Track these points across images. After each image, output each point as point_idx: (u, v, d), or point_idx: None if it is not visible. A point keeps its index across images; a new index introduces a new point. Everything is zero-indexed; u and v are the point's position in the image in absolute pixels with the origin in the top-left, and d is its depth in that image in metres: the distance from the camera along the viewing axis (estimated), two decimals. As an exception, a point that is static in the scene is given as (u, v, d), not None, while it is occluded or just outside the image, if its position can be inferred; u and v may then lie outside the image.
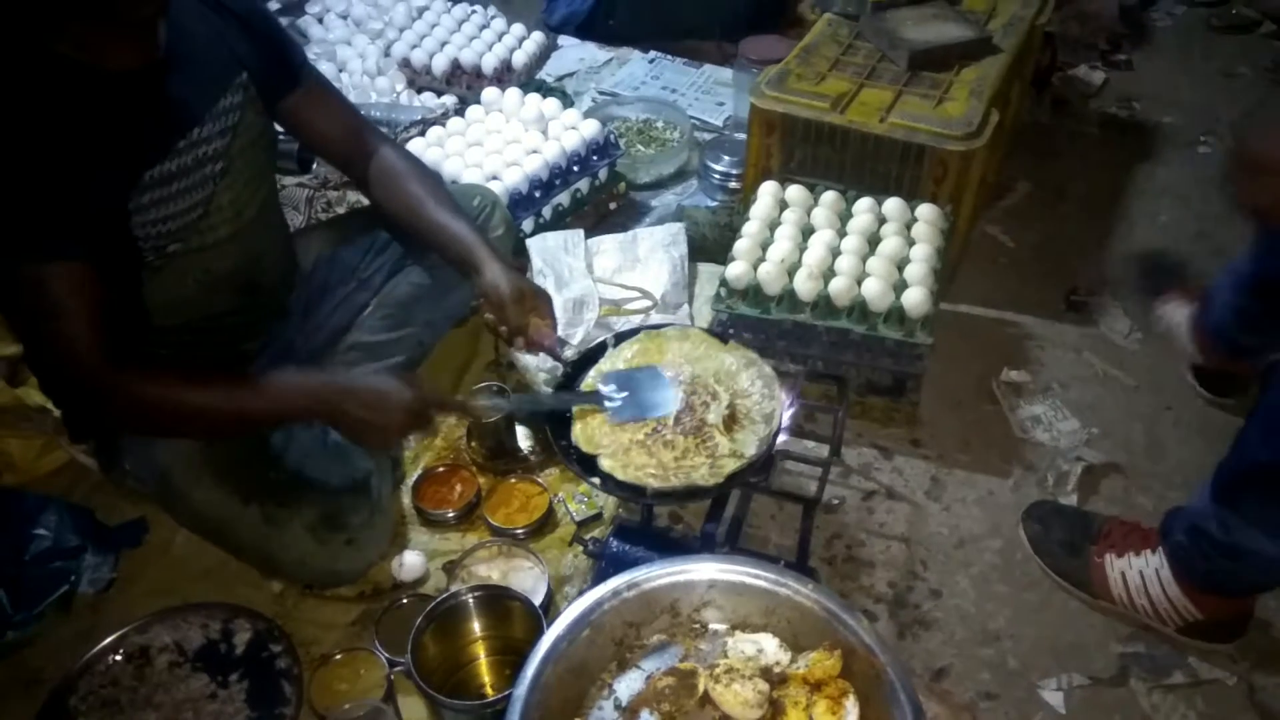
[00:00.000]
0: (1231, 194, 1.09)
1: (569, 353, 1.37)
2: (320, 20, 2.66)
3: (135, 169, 1.13)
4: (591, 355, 1.34)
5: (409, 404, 1.19)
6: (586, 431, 1.22)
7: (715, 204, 2.11)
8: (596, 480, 1.18)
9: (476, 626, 1.29)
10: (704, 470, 1.16)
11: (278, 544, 1.31)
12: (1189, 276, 1.86)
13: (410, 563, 1.41)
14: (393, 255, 1.53)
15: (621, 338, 1.35)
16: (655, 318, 1.79)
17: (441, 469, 1.55)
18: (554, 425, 1.24)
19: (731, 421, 1.22)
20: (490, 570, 1.40)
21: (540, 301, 1.32)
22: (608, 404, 1.22)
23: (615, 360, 1.31)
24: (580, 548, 1.42)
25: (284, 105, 1.34)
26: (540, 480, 1.54)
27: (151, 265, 1.19)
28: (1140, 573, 1.38)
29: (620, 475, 1.16)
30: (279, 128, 1.37)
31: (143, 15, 1.07)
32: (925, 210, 1.70)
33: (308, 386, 1.21)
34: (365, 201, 1.59)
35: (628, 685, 0.98)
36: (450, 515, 1.49)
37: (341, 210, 1.97)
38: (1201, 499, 1.29)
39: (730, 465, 1.16)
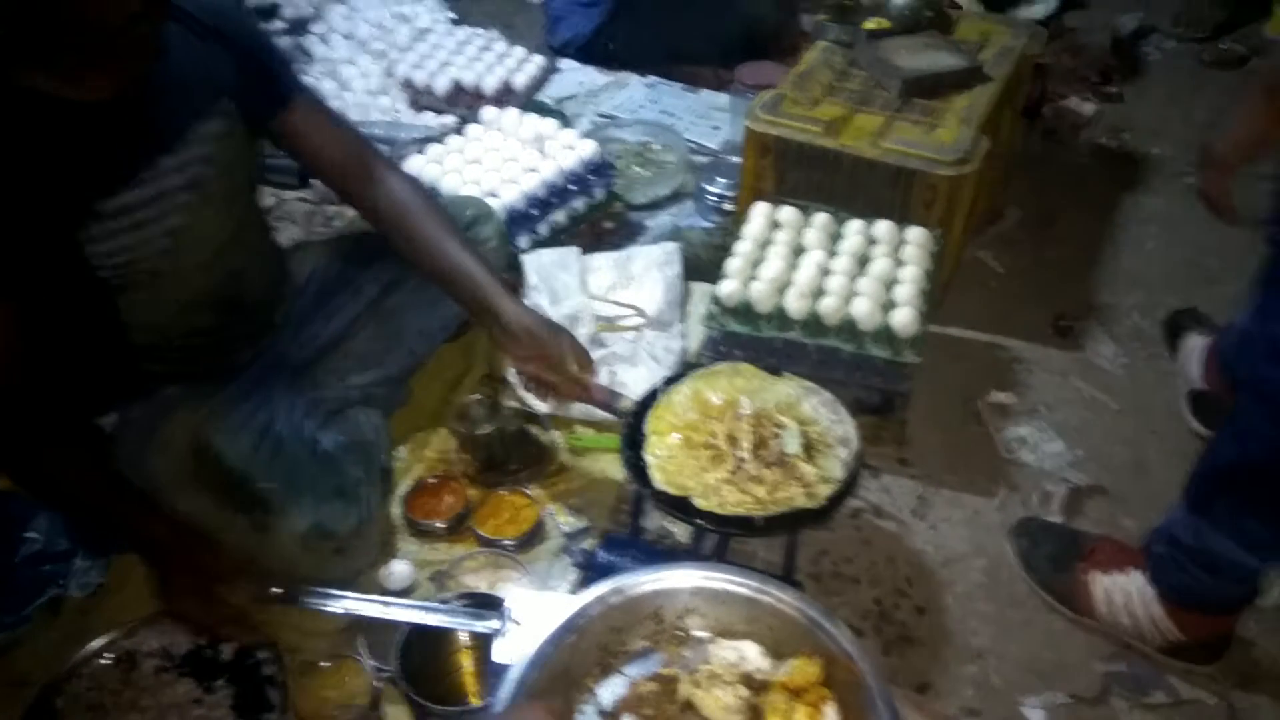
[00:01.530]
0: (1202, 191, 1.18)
1: (624, 403, 1.36)
2: (324, 40, 2.70)
3: (86, 200, 1.11)
4: (645, 403, 1.34)
5: (219, 572, 1.17)
6: (668, 475, 1.24)
7: (710, 225, 2.14)
8: (699, 521, 1.20)
9: (463, 635, 1.30)
10: (801, 498, 1.20)
11: (266, 553, 1.31)
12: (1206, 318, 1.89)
13: (398, 572, 1.42)
14: (387, 268, 1.54)
15: (671, 380, 1.37)
16: (649, 335, 1.81)
17: (432, 480, 1.57)
18: (634, 469, 1.25)
19: (809, 449, 1.26)
20: (478, 581, 1.41)
21: (577, 350, 1.32)
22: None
23: (669, 403, 1.33)
24: (569, 559, 1.44)
25: (274, 125, 1.33)
26: (530, 493, 1.55)
27: (120, 289, 1.18)
28: (1125, 591, 1.40)
29: (721, 513, 1.19)
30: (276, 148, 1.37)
31: (125, 61, 1.06)
32: (915, 233, 1.73)
33: (142, 539, 1.19)
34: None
35: (611, 691, 0.99)
36: (440, 526, 1.50)
37: (340, 224, 1.99)
38: (1177, 509, 1.32)
39: (826, 489, 1.21)
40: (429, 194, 1.43)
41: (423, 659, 1.25)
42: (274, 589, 1.19)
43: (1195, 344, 1.79)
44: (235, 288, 1.33)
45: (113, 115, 1.11)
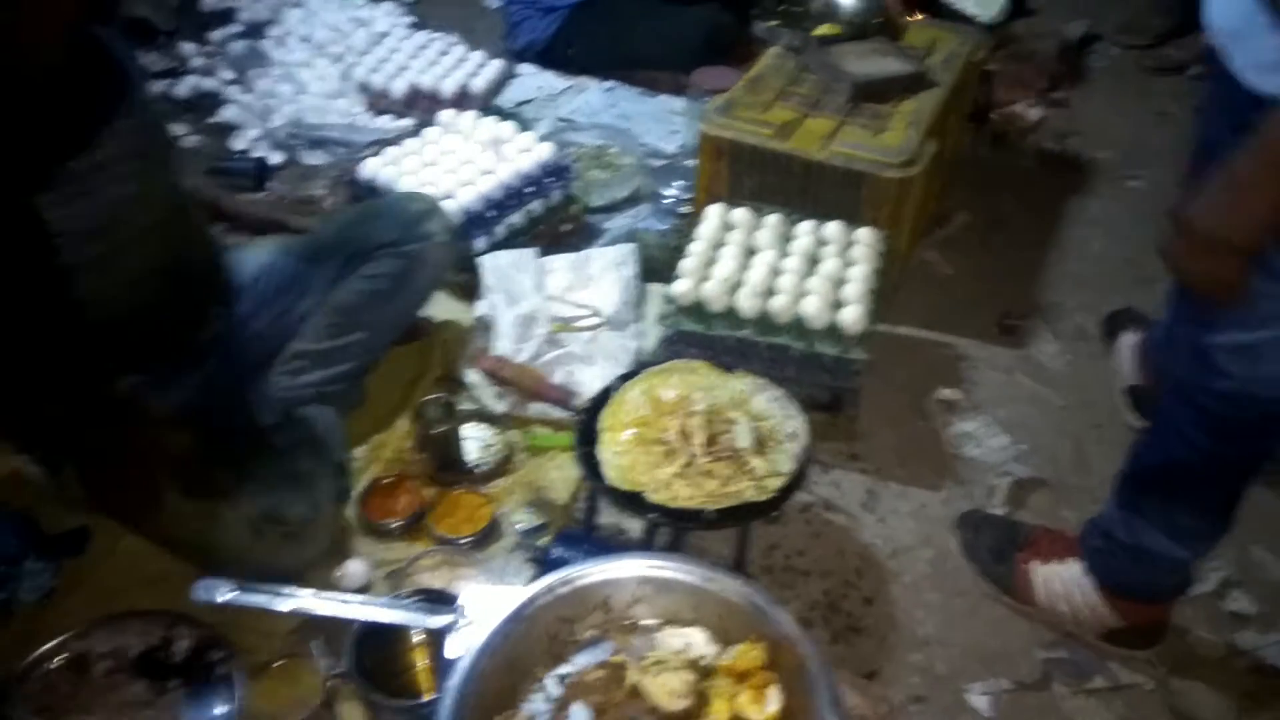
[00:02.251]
0: (1173, 265, 1.05)
1: (580, 401, 1.40)
2: (281, 43, 2.70)
3: (45, 164, 1.12)
4: (599, 400, 1.37)
5: None
6: (621, 470, 1.27)
7: (666, 227, 2.17)
8: (652, 515, 1.23)
9: (417, 632, 1.31)
10: (751, 492, 1.23)
11: (217, 538, 1.32)
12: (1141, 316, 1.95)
13: (353, 571, 1.43)
14: (334, 264, 1.55)
15: (625, 378, 1.39)
16: (605, 335, 1.84)
17: (388, 480, 1.57)
18: (587, 465, 1.29)
19: (760, 444, 1.29)
20: (434, 579, 1.42)
21: None
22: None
23: (622, 400, 1.35)
24: (524, 556, 1.45)
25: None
26: (486, 491, 1.57)
27: (74, 261, 1.18)
28: (1063, 579, 1.44)
29: (672, 506, 1.22)
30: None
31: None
32: (863, 234, 1.77)
33: None
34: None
35: (560, 679, 1.01)
36: (395, 525, 1.51)
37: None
38: (1110, 504, 1.36)
39: (776, 482, 1.24)
40: None
41: (377, 656, 1.26)
42: None
43: (1129, 341, 1.86)
44: (180, 257, 1.34)
45: (67, 79, 1.13)
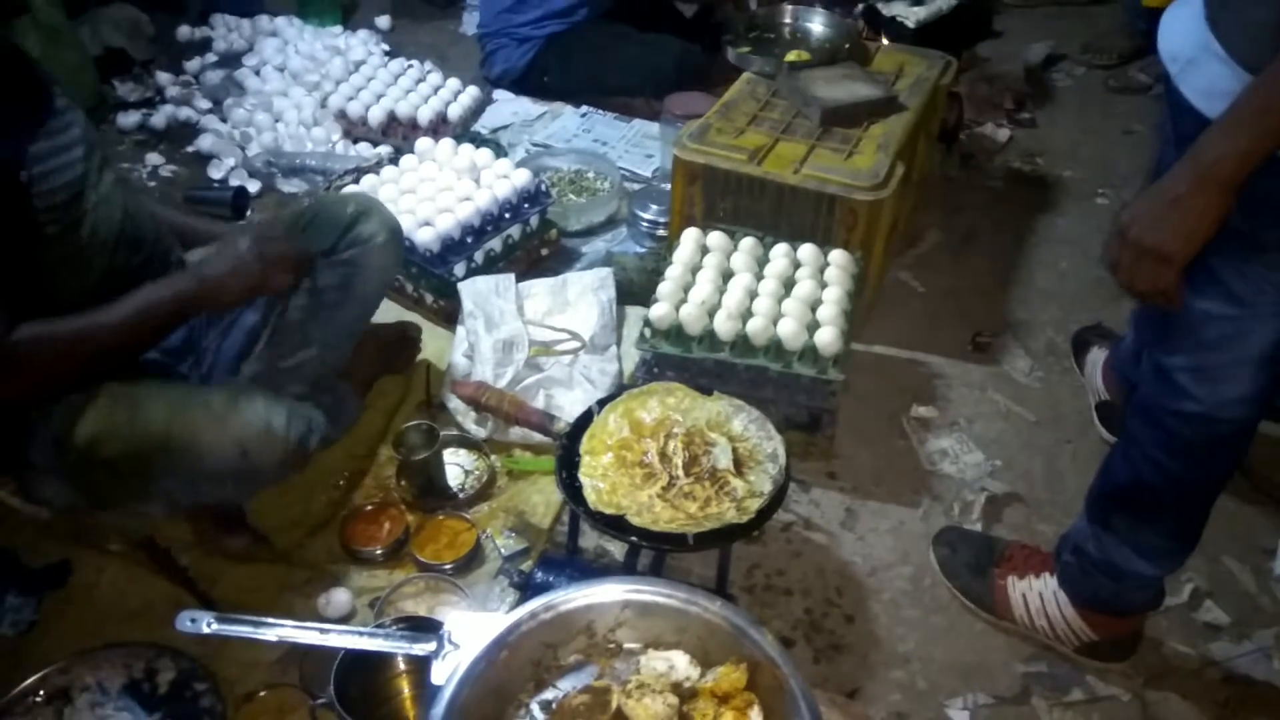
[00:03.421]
0: (1115, 273, 1.09)
1: (560, 425, 1.40)
2: (257, 72, 2.71)
3: (21, 139, 1.17)
4: (580, 424, 1.38)
5: (257, 253, 1.33)
6: (602, 494, 1.28)
7: (643, 250, 2.19)
8: (633, 539, 1.24)
9: (400, 661, 1.31)
10: (732, 513, 1.25)
11: (140, 428, 1.28)
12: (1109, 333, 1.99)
13: (336, 600, 1.43)
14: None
15: (605, 402, 1.41)
16: (584, 359, 1.85)
17: (370, 507, 1.58)
18: (569, 490, 1.30)
19: (739, 465, 1.31)
20: (417, 605, 1.43)
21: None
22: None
23: (602, 424, 1.37)
24: (507, 580, 1.46)
25: None
26: (468, 516, 1.58)
27: (52, 233, 1.22)
28: (1040, 594, 1.47)
29: (654, 530, 1.23)
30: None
31: None
32: (837, 256, 1.80)
33: (167, 295, 1.28)
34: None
35: (544, 704, 1.02)
36: (378, 552, 1.51)
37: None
38: (1080, 520, 1.39)
39: (755, 503, 1.26)
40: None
41: (360, 685, 1.26)
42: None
43: (1098, 358, 1.89)
44: (135, 225, 1.37)
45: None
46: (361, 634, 1.21)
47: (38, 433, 1.31)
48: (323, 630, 1.22)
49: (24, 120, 1.19)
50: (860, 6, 2.62)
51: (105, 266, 1.31)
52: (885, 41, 2.35)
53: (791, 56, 2.17)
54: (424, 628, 1.25)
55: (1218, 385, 1.17)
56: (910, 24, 2.52)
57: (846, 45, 2.20)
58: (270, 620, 1.23)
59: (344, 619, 1.42)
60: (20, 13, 1.16)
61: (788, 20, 2.39)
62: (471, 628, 1.11)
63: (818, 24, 2.37)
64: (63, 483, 1.33)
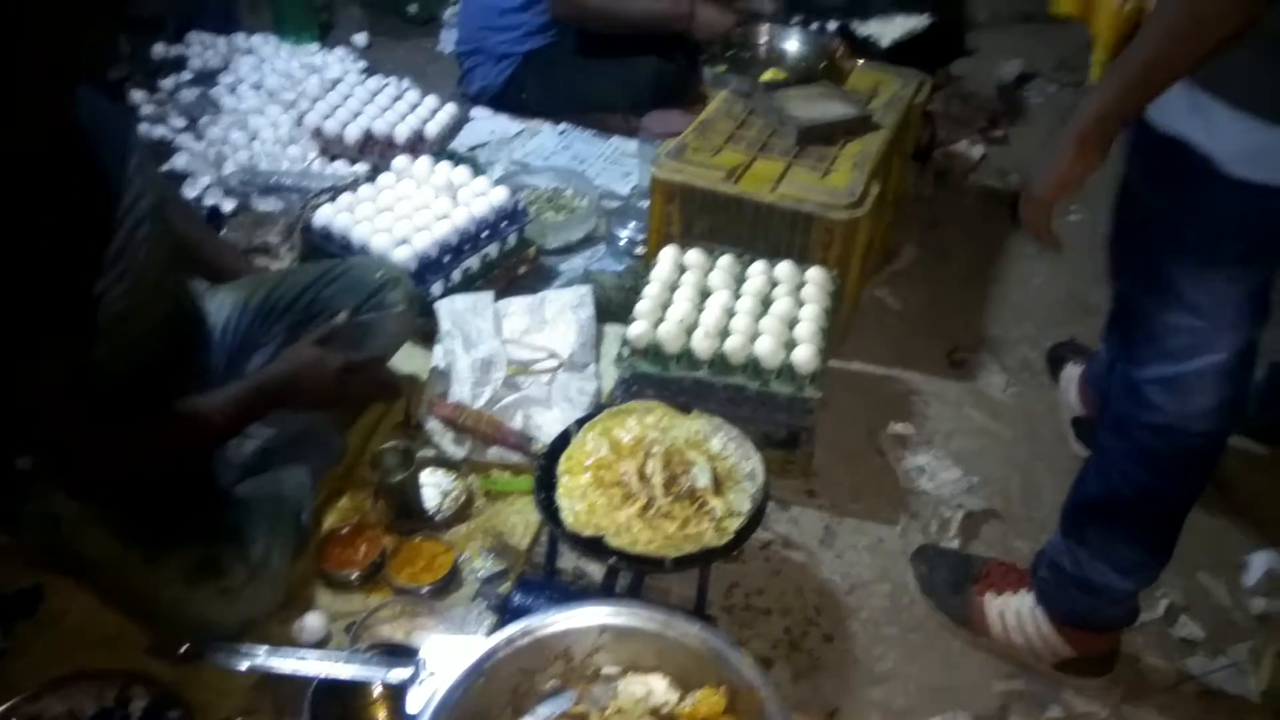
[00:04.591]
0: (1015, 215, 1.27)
1: (538, 445, 1.40)
2: (233, 90, 2.70)
3: (96, 252, 1.17)
4: (559, 444, 1.38)
5: (334, 365, 1.37)
6: (580, 515, 1.27)
7: (621, 268, 2.20)
8: (612, 560, 1.24)
9: (377, 687, 1.30)
10: (711, 534, 1.25)
11: (154, 586, 1.31)
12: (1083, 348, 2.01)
13: (311, 626, 1.41)
14: (287, 323, 1.56)
15: (583, 421, 1.41)
16: (562, 377, 1.85)
17: (345, 530, 1.56)
18: (547, 511, 1.29)
19: (718, 484, 1.31)
20: (394, 630, 1.41)
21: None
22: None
23: (581, 444, 1.36)
24: (484, 603, 1.45)
25: None
26: (446, 539, 1.56)
27: (106, 330, 1.21)
28: (1017, 611, 1.47)
29: (632, 551, 1.23)
30: None
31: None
32: (814, 273, 1.81)
33: (245, 393, 1.33)
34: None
35: (522, 731, 1.01)
36: (354, 576, 1.50)
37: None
38: (1056, 536, 1.40)
39: (734, 523, 1.26)
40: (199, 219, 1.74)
41: (336, 712, 1.24)
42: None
43: (1073, 373, 1.91)
44: (174, 305, 1.40)
45: (67, 167, 1.16)
46: (339, 661, 1.20)
47: (33, 495, 1.32)
48: (299, 657, 1.21)
49: (94, 228, 1.18)
50: (836, 25, 2.64)
51: (141, 353, 1.31)
52: (860, 60, 2.37)
53: (768, 75, 2.19)
54: (400, 654, 1.23)
55: (1185, 397, 1.19)
56: (884, 43, 2.55)
57: (822, 64, 2.23)
58: (244, 647, 1.22)
59: (319, 644, 1.40)
60: (97, 74, 1.19)
61: (764, 39, 2.41)
62: (448, 654, 1.11)
63: (793, 43, 2.39)
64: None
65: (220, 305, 1.57)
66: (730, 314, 1.73)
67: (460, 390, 1.75)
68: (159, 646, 1.30)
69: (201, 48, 2.91)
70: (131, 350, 1.28)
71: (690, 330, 1.68)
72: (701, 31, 2.48)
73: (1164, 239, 1.15)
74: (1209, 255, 1.11)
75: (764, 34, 2.41)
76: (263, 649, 1.23)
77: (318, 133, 2.49)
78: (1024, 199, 1.21)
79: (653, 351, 1.68)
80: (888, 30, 2.63)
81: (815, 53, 2.31)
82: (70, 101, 1.15)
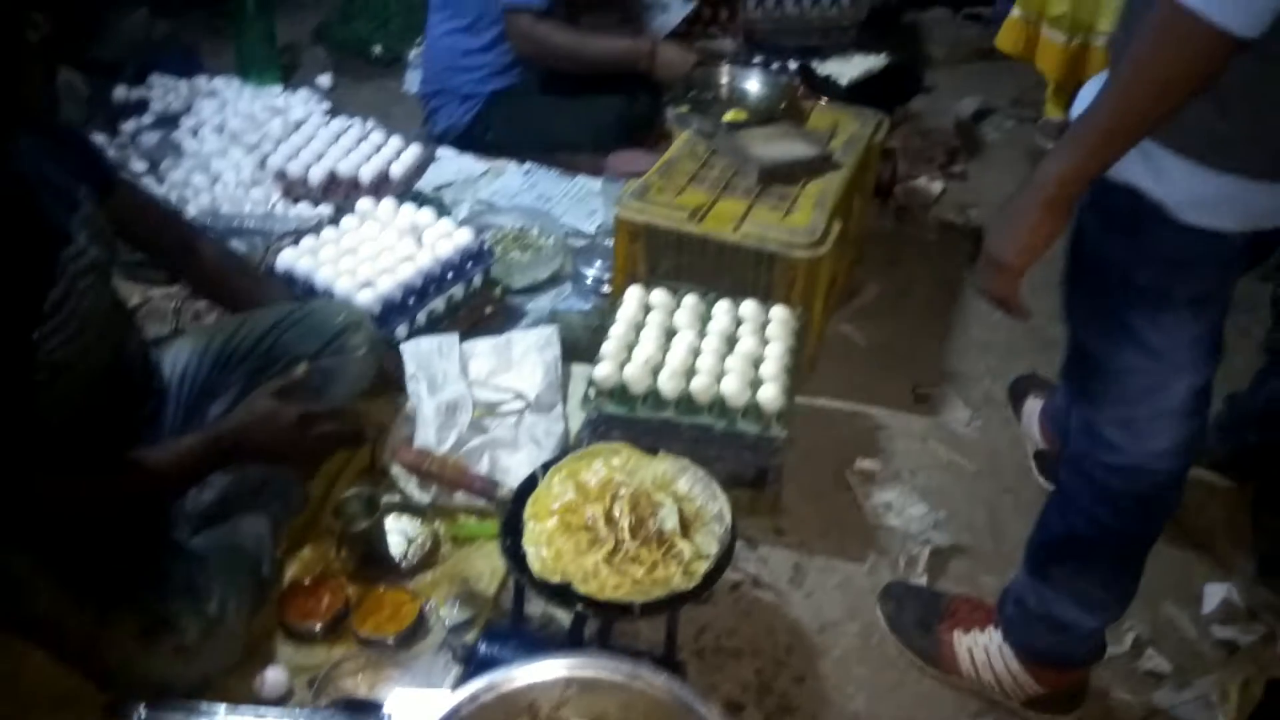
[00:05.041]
0: (976, 282, 1.22)
1: (504, 490, 1.40)
2: (195, 133, 2.68)
3: (35, 300, 1.16)
4: (525, 488, 1.37)
5: (291, 417, 1.34)
6: (546, 562, 1.26)
7: (588, 306, 2.20)
8: (579, 608, 1.22)
9: (341, 742, 1.27)
10: (679, 577, 1.24)
11: (108, 645, 1.28)
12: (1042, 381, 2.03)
13: (272, 680, 1.38)
14: (245, 370, 1.54)
15: (548, 465, 1.40)
16: (529, 419, 1.84)
17: (308, 580, 1.54)
18: (513, 559, 1.28)
19: (685, 526, 1.30)
20: (357, 683, 1.39)
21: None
22: None
23: (547, 488, 1.36)
24: (450, 653, 1.43)
25: (106, 208, 1.39)
26: (411, 587, 1.54)
27: (43, 382, 1.20)
28: (985, 648, 1.47)
29: (601, 598, 1.21)
30: None
31: None
32: (778, 312, 1.82)
33: (199, 445, 1.31)
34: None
35: (488, 789, 0.99)
36: (317, 628, 1.47)
37: (211, 320, 1.97)
38: (1020, 573, 1.41)
39: (702, 566, 1.25)
40: (233, 254, 1.76)
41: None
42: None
43: (1034, 406, 1.94)
44: (119, 358, 1.38)
45: (13, 219, 1.16)
46: (298, 718, 1.17)
47: None
48: (258, 714, 1.19)
49: (34, 276, 1.17)
50: (796, 66, 2.69)
51: (83, 402, 1.30)
52: (821, 100, 2.41)
53: (730, 116, 2.22)
54: (364, 709, 1.21)
55: (1143, 438, 1.20)
56: (844, 82, 2.59)
57: (783, 104, 2.25)
58: (204, 705, 1.19)
59: (280, 700, 1.37)
60: (32, 117, 1.19)
61: (725, 79, 2.44)
62: (411, 710, 1.09)
63: (754, 83, 2.42)
64: None
65: (178, 353, 1.55)
66: (696, 353, 1.73)
67: (425, 434, 1.73)
68: (116, 707, 1.27)
69: (163, 90, 2.89)
70: (74, 399, 1.26)
71: (656, 370, 1.68)
72: (662, 70, 2.51)
73: (1117, 283, 1.17)
74: (1161, 299, 1.13)
75: (725, 74, 2.44)
76: (221, 707, 1.20)
77: (281, 175, 2.48)
78: (986, 265, 1.13)
79: (619, 392, 1.67)
80: (847, 70, 2.68)
81: (776, 93, 2.34)
82: (9, 149, 1.15)
